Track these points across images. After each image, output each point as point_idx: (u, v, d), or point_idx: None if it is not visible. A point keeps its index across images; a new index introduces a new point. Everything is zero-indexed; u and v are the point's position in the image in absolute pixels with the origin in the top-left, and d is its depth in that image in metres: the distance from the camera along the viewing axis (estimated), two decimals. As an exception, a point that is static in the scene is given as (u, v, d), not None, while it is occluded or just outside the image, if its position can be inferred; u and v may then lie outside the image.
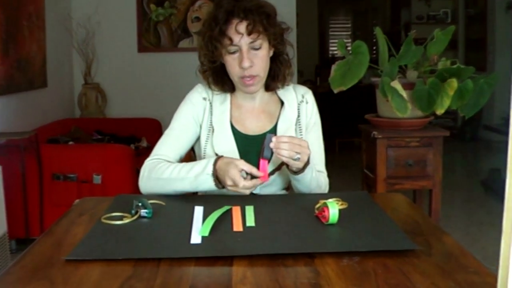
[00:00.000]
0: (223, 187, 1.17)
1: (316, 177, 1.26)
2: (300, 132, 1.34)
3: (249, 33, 1.20)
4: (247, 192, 1.13)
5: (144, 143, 3.59)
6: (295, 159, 1.13)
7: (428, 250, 0.88)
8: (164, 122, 3.80)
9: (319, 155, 1.35)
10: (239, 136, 1.31)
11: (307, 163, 1.18)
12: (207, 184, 1.15)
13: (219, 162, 1.15)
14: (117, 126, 3.72)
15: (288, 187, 1.36)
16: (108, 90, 4.04)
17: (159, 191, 1.20)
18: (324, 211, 0.99)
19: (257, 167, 1.13)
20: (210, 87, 1.33)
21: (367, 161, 2.25)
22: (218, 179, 1.15)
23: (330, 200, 1.07)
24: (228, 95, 1.34)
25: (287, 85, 1.36)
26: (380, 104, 2.18)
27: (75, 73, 3.98)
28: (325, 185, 1.34)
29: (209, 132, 1.31)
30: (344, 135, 5.58)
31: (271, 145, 1.11)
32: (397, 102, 1.92)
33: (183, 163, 1.22)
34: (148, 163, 1.25)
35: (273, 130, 1.33)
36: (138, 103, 4.12)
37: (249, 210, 1.08)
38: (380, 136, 2.06)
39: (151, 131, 3.72)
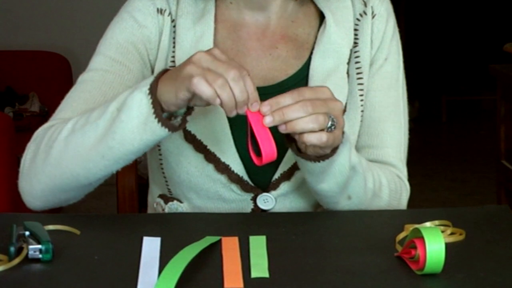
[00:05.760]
0: (168, 117, 1.12)
1: (368, 173, 1.24)
2: (360, 77, 1.34)
3: None
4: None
5: (35, 106, 3.59)
6: (328, 128, 1.09)
7: None
8: (77, 62, 3.80)
9: (391, 129, 1.35)
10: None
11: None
12: (138, 110, 1.11)
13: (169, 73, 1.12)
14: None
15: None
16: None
17: (55, 175, 1.19)
18: (415, 249, 0.99)
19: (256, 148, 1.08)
20: None
21: (509, 143, 2.24)
22: (159, 103, 1.10)
23: (427, 224, 1.06)
24: (211, 3, 1.33)
25: None
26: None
27: None
28: (395, 195, 1.31)
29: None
30: (458, 87, 5.42)
31: (264, 112, 1.07)
32: None
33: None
34: (38, 133, 1.26)
35: (301, 76, 1.32)
36: (23, 22, 4.16)
37: (257, 245, 1.08)
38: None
39: (50, 79, 3.74)
